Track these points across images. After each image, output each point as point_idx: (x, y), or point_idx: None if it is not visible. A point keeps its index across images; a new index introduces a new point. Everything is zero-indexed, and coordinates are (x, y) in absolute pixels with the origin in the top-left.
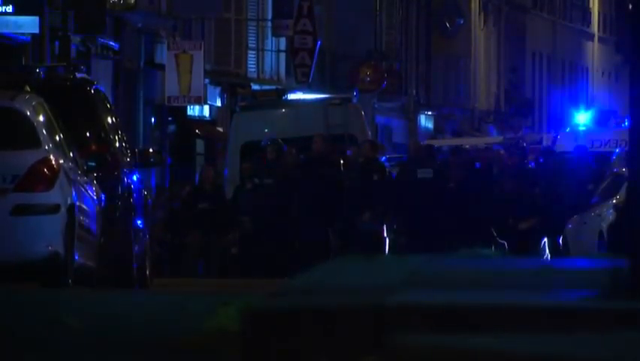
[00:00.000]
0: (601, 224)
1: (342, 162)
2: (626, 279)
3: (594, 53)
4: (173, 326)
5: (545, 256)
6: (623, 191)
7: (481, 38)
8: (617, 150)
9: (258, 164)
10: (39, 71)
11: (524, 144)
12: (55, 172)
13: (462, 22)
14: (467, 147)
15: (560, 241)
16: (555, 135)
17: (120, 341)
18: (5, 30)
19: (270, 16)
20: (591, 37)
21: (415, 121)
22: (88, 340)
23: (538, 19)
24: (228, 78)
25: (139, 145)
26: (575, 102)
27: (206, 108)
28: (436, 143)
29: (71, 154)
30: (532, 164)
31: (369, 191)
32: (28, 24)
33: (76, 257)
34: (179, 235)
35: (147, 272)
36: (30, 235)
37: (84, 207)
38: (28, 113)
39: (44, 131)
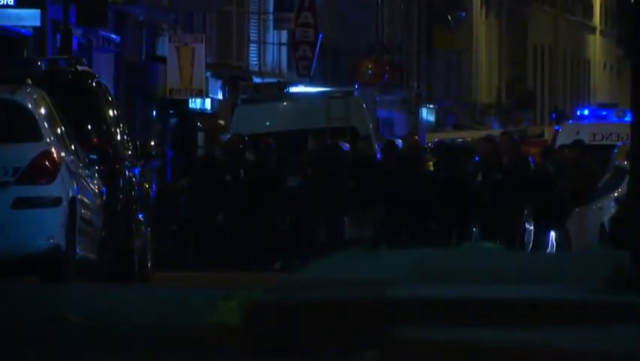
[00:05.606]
0: (603, 217)
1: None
2: (629, 272)
3: (596, 46)
4: (174, 320)
5: (550, 249)
6: (624, 184)
7: (483, 31)
8: (619, 143)
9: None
10: (41, 64)
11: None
12: (56, 165)
13: (463, 15)
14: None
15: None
16: (556, 128)
17: (121, 336)
18: (7, 23)
19: (271, 9)
20: (593, 30)
21: (416, 114)
22: (88, 335)
23: (539, 12)
24: (230, 71)
25: (140, 138)
26: (576, 95)
27: (208, 101)
28: (437, 136)
29: (73, 147)
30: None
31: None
32: (30, 17)
33: (78, 250)
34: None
35: (148, 266)
36: (31, 227)
37: (85, 200)
38: (30, 106)
39: (46, 124)
